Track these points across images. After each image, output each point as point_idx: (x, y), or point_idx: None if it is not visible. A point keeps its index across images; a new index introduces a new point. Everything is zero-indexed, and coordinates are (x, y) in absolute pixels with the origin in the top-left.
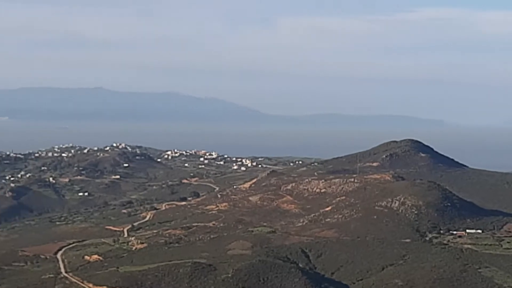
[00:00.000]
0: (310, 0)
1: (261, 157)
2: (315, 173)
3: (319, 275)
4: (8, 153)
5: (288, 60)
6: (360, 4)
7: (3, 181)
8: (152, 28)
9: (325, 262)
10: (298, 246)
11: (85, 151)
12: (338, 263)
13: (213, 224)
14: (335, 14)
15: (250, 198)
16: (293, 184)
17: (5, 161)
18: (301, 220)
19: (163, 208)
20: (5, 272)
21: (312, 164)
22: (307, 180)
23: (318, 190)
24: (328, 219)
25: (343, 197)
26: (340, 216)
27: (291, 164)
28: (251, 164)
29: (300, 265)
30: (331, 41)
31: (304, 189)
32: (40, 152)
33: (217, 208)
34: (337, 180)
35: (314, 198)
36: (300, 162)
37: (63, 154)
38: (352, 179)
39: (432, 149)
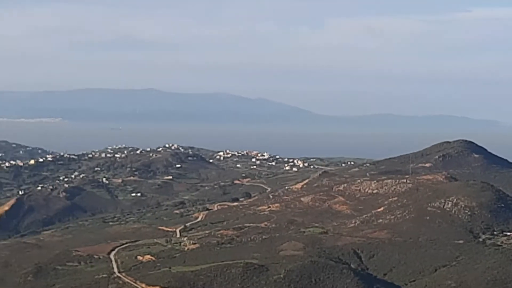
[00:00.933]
0: (360, 0)
1: (313, 158)
2: (367, 174)
3: (371, 276)
4: (62, 153)
5: (338, 61)
6: (413, 4)
7: (57, 181)
8: (203, 28)
9: (377, 263)
10: (350, 247)
11: (138, 151)
12: (391, 264)
13: (265, 224)
14: (387, 14)
15: (302, 198)
16: (345, 185)
17: (59, 162)
18: (353, 221)
19: (215, 208)
20: (59, 272)
21: (364, 165)
22: (359, 180)
23: (370, 191)
24: (380, 220)
25: (395, 198)
26: (392, 217)
27: (343, 164)
28: (303, 165)
29: (352, 266)
30: (382, 41)
31: (356, 189)
32: (93, 153)
33: (269, 208)
34: (389, 181)
35: (366, 199)
36: (352, 162)
37: (116, 155)
38: (405, 180)
39: (485, 149)
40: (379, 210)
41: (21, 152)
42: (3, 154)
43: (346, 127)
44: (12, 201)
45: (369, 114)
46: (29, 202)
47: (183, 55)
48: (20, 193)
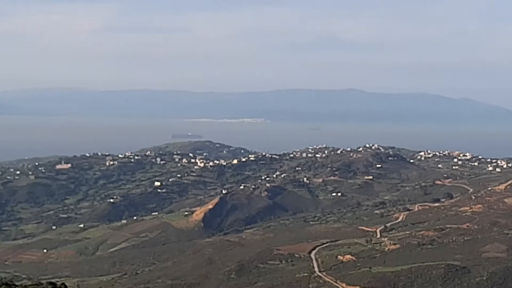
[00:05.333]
0: None
1: None
2: None
3: None
4: (264, 153)
5: None
6: None
7: (259, 180)
8: (406, 29)
9: None
10: None
11: (338, 151)
12: None
13: (467, 226)
14: None
15: (506, 200)
16: None
17: (261, 162)
18: None
19: (416, 209)
20: (261, 270)
21: None
22: None
23: None
24: None
25: None
26: None
27: None
28: (507, 165)
29: None
30: None
31: None
32: (294, 153)
33: (471, 209)
34: None
35: None
36: None
37: (317, 155)
38: None
39: None
40: None
41: (224, 151)
42: (207, 154)
43: None
44: (215, 200)
45: None
46: (232, 201)
47: (386, 55)
48: (223, 192)
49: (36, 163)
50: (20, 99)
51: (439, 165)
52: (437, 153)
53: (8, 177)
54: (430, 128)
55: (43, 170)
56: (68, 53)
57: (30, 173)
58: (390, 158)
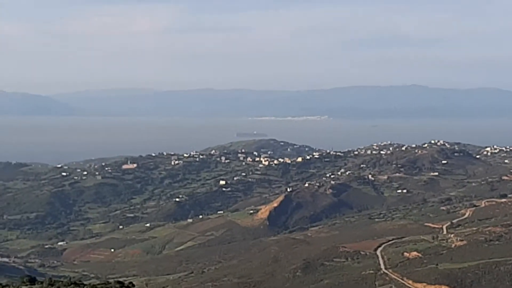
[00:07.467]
0: None
1: None
2: None
3: None
4: (328, 151)
5: None
6: None
7: (324, 178)
8: (465, 24)
9: None
10: None
11: (403, 148)
12: None
13: None
14: None
15: None
16: None
17: (326, 159)
18: None
19: (483, 205)
20: (326, 267)
21: None
22: None
23: None
24: None
25: None
26: None
27: None
28: None
29: None
30: None
31: None
32: (359, 150)
33: None
34: None
35: None
36: None
37: (382, 152)
38: None
39: None
40: None
41: (288, 149)
42: (272, 152)
43: None
44: (280, 198)
45: None
46: (297, 198)
47: (447, 50)
48: (288, 190)
49: (103, 164)
50: (85, 101)
51: (506, 161)
52: (503, 149)
53: (76, 178)
54: (495, 122)
55: (110, 170)
56: (131, 54)
57: (97, 173)
58: (455, 154)
